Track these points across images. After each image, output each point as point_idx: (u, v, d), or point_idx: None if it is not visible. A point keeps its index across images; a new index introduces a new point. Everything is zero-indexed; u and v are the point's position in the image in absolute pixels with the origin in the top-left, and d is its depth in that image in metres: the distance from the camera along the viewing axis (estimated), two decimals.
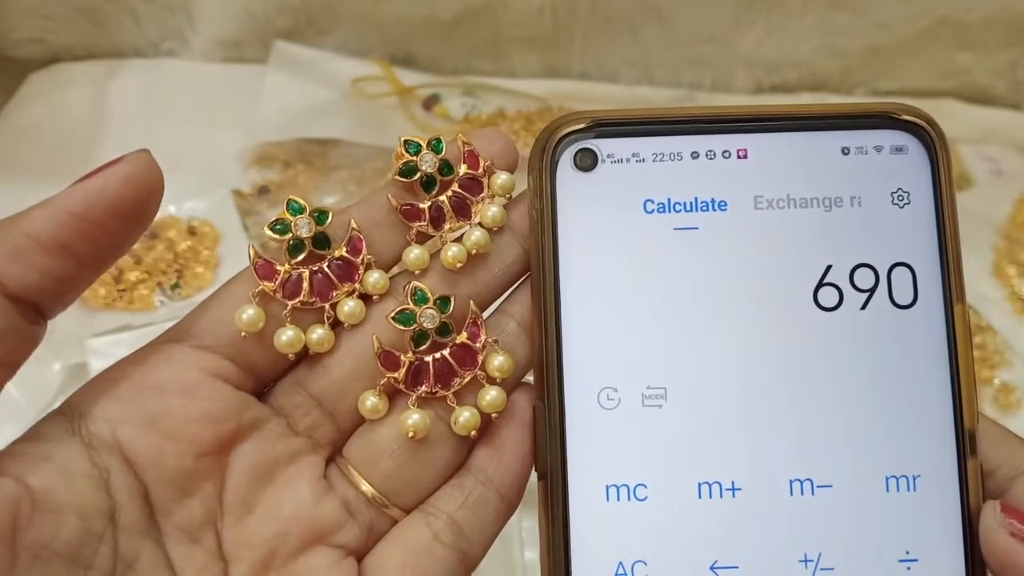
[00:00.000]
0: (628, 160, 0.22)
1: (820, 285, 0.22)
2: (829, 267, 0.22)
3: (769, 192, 0.22)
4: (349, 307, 0.23)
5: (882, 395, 0.22)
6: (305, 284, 0.23)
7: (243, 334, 0.22)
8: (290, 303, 0.23)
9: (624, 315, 0.22)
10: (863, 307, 0.22)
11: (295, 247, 0.23)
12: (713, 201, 0.22)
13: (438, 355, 0.23)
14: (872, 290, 0.22)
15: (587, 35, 0.60)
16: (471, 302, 0.23)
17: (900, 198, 0.22)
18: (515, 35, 0.60)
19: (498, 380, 0.23)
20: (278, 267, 0.23)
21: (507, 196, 0.24)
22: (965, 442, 0.22)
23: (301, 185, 0.53)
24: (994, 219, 0.55)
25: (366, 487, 0.23)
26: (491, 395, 0.23)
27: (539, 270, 0.22)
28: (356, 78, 0.58)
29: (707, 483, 0.22)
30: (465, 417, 0.23)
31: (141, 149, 0.21)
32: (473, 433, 0.23)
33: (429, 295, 0.23)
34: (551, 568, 0.22)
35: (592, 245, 0.22)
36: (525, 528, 0.40)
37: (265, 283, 0.23)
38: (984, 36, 0.59)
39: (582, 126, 0.23)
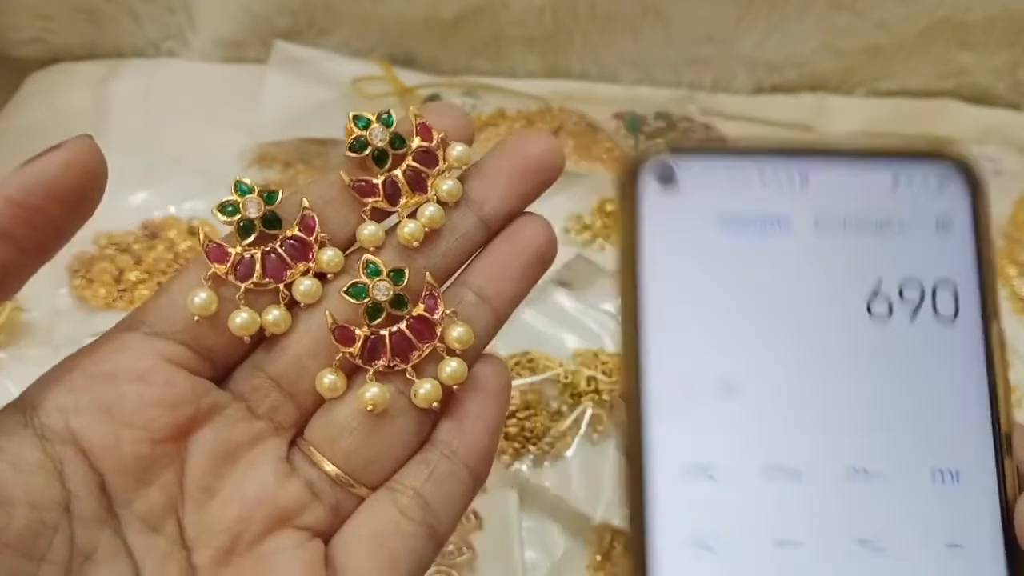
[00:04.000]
0: (704, 181, 0.25)
1: (873, 297, 0.24)
2: (881, 281, 0.24)
3: (828, 214, 0.24)
4: (305, 286, 0.23)
5: (928, 395, 0.24)
6: (258, 266, 0.22)
7: (196, 318, 0.22)
8: (243, 285, 0.22)
9: (700, 316, 0.24)
10: (911, 318, 0.24)
11: (245, 228, 0.23)
12: (779, 219, 0.24)
13: (395, 328, 0.23)
14: (919, 304, 0.24)
15: (587, 35, 0.60)
16: (427, 274, 0.23)
17: (943, 224, 0.24)
18: (515, 35, 0.60)
19: (458, 352, 0.23)
20: (229, 249, 0.22)
21: (462, 168, 0.24)
22: (1002, 442, 0.24)
23: (301, 185, 0.53)
24: (994, 219, 0.55)
25: (329, 467, 0.23)
26: (451, 367, 0.23)
27: (624, 273, 0.24)
28: (356, 78, 0.58)
29: (773, 467, 0.23)
30: (426, 389, 0.22)
31: (83, 134, 0.21)
32: (435, 405, 0.23)
33: (382, 268, 0.23)
34: (631, 540, 0.23)
35: (671, 253, 0.24)
36: (525, 528, 0.40)
37: (216, 266, 0.22)
38: (984, 36, 0.59)
39: (665, 150, 0.24)
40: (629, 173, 0.25)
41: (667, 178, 0.24)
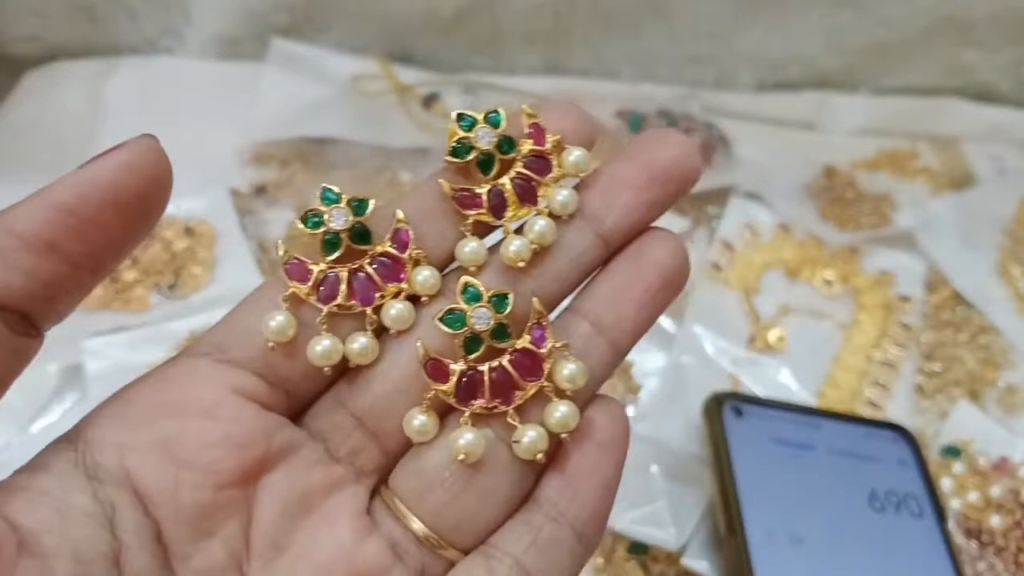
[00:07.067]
0: (761, 416, 0.41)
1: (871, 498, 0.39)
2: (873, 490, 0.39)
3: (835, 446, 0.40)
4: (396, 310, 0.19)
5: (912, 561, 0.37)
6: (343, 286, 0.19)
7: (270, 344, 0.19)
8: (325, 308, 0.19)
9: (774, 491, 0.38)
10: (896, 513, 0.38)
11: (330, 243, 0.20)
12: (806, 444, 0.40)
13: (495, 363, 0.20)
14: (898, 505, 0.38)
15: (588, 31, 0.59)
16: (535, 300, 0.20)
17: (902, 461, 0.40)
18: (515, 31, 0.59)
19: (569, 393, 0.20)
20: (311, 266, 0.19)
21: (579, 176, 0.21)
22: None
23: (298, 184, 0.53)
24: (999, 218, 0.54)
25: (416, 524, 0.19)
26: (560, 411, 0.19)
27: (720, 463, 0.38)
28: (354, 76, 0.57)
29: None
30: (530, 437, 0.19)
31: (145, 134, 0.18)
32: (540, 457, 0.19)
33: (482, 292, 0.19)
34: None
35: (747, 456, 0.39)
36: None
37: (296, 285, 0.19)
38: (988, 34, 0.58)
39: (736, 400, 0.41)
40: (717, 407, 0.40)
41: (739, 413, 0.40)
